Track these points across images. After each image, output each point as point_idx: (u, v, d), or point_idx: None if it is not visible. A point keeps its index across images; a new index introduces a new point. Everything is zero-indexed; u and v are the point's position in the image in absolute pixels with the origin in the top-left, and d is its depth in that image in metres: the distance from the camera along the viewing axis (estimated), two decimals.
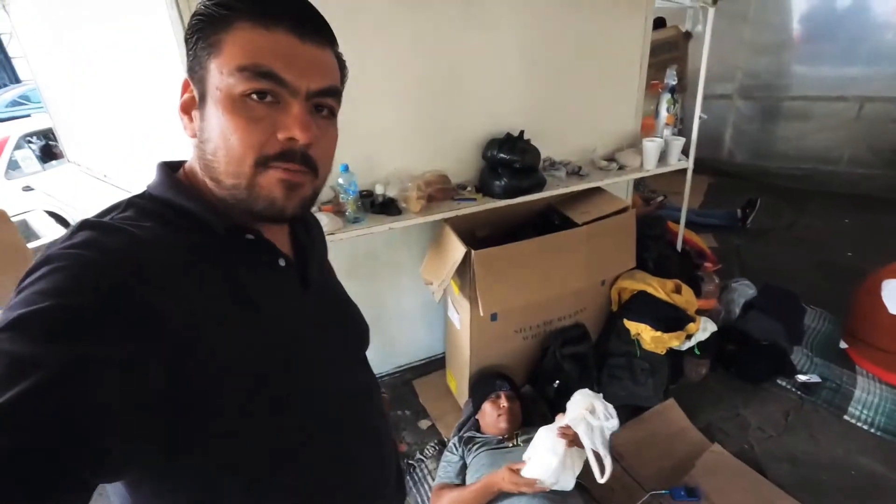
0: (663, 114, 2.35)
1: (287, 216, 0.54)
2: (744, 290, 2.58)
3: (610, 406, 1.39)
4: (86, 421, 0.37)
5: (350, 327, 0.74)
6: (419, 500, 1.75)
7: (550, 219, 2.14)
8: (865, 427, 1.97)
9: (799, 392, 2.14)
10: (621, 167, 2.25)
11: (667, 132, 2.34)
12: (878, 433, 1.94)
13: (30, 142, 3.91)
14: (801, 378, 2.17)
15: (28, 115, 5.25)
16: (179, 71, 1.41)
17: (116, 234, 0.47)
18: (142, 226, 0.49)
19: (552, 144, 2.16)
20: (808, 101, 4.17)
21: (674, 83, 2.33)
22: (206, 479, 0.50)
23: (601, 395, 1.45)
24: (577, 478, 1.40)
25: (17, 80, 8.51)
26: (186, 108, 0.54)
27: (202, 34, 0.50)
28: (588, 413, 1.37)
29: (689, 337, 2.04)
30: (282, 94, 0.50)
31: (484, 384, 1.87)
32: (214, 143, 0.50)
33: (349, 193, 1.69)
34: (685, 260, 2.64)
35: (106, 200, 0.54)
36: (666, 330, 1.99)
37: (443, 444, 1.94)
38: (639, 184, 3.38)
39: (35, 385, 0.36)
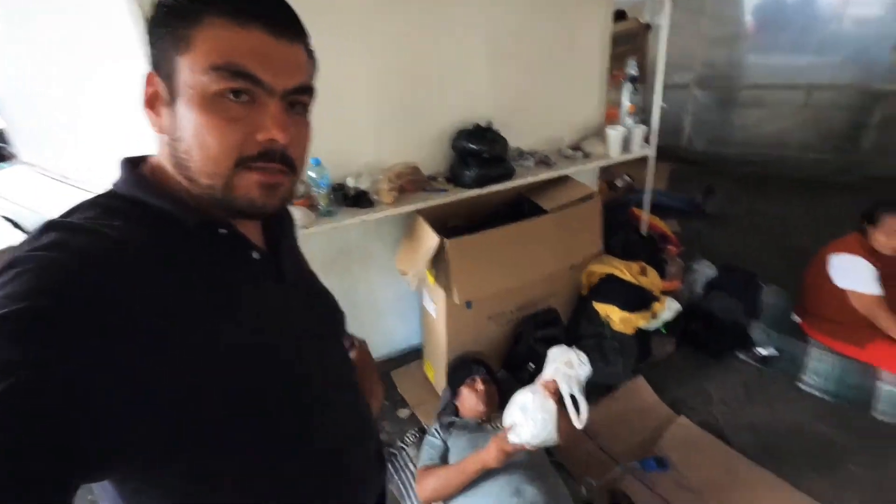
0: (625, 103, 2.43)
1: (267, 214, 0.54)
2: (705, 271, 2.71)
3: (582, 354, 1.48)
4: (59, 424, 0.37)
5: (327, 315, 0.75)
6: (401, 487, 1.79)
7: (521, 207, 2.19)
8: (818, 394, 2.11)
9: (757, 364, 2.27)
10: (587, 155, 2.32)
11: (629, 121, 2.42)
12: (829, 399, 2.08)
13: None
14: (760, 351, 2.30)
15: None
16: (142, 64, 1.38)
17: (83, 235, 0.46)
18: (109, 224, 0.48)
19: (520, 135, 2.21)
20: (761, 90, 4.37)
21: (635, 73, 2.41)
22: (193, 474, 0.50)
23: (573, 346, 1.53)
24: (553, 456, 1.46)
25: None
26: (152, 104, 0.52)
27: (169, 27, 0.49)
28: (565, 366, 1.46)
29: (655, 317, 2.14)
30: (258, 93, 0.49)
31: (460, 370, 1.91)
32: (188, 143, 0.49)
33: (321, 187, 1.69)
34: (650, 244, 2.74)
35: (66, 202, 0.52)
36: (633, 310, 2.08)
37: (423, 432, 1.98)
38: (605, 171, 3.48)
39: (6, 389, 0.35)
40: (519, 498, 1.38)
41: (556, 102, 2.32)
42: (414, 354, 2.41)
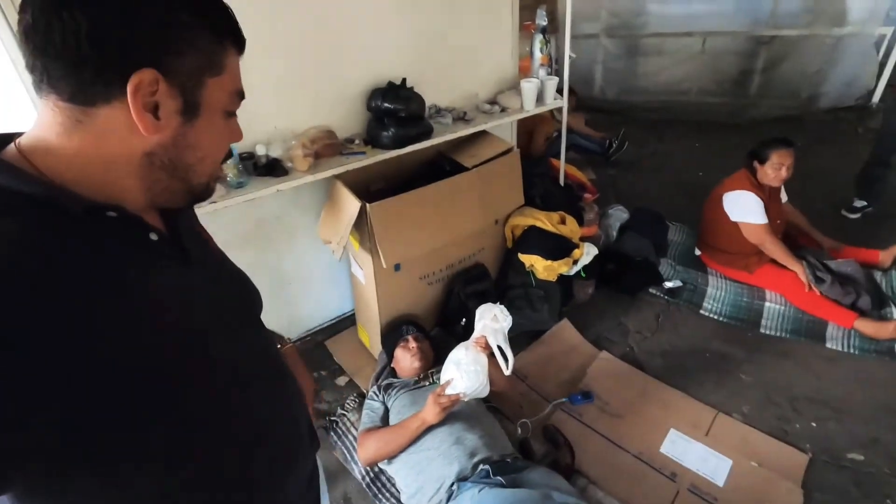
0: (537, 54, 2.44)
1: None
2: (619, 215, 2.88)
3: (504, 308, 1.62)
4: None
5: (241, 292, 0.72)
6: (344, 452, 1.81)
7: (441, 166, 2.18)
8: (715, 317, 2.37)
9: (666, 297, 2.49)
10: (503, 109, 2.33)
11: (542, 72, 2.45)
12: (725, 320, 2.35)
13: None
14: (667, 284, 2.52)
15: None
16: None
17: None
18: None
19: (436, 91, 2.17)
20: (661, 38, 4.58)
21: (545, 24, 2.42)
22: (108, 482, 0.47)
23: (497, 302, 1.66)
24: (489, 402, 1.57)
25: None
26: (152, 107, 0.49)
27: (199, 49, 0.50)
28: (491, 321, 1.59)
29: (575, 262, 2.26)
30: None
31: (393, 332, 1.93)
32: (205, 150, 0.55)
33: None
34: (568, 193, 2.86)
35: None
36: (555, 258, 2.18)
37: (362, 396, 2.00)
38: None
39: None
40: (460, 446, 1.46)
41: (470, 56, 2.29)
42: (348, 321, 2.39)
